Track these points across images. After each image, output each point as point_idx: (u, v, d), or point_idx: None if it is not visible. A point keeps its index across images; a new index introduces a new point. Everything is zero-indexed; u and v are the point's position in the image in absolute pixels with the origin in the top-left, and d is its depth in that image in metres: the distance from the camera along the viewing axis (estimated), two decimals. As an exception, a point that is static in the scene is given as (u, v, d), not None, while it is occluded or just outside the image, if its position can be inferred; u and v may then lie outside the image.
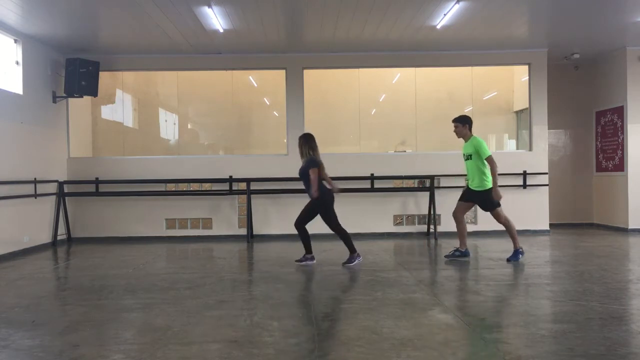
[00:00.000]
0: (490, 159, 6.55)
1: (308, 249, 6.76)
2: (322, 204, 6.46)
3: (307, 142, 6.58)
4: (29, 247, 8.23)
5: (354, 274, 6.13)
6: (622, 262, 6.79)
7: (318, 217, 6.58)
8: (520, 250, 6.80)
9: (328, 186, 6.62)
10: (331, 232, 6.60)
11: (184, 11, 7.24)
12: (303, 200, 6.56)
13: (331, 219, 6.52)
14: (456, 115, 6.94)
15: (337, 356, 3.40)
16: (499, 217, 6.74)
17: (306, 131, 7.19)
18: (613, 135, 10.22)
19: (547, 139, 9.89)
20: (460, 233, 6.97)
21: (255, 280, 5.84)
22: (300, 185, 6.68)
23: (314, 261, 6.75)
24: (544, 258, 7.19)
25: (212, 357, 3.36)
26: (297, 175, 6.69)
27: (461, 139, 6.91)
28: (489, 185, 6.63)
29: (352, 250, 6.63)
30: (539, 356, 3.30)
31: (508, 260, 6.72)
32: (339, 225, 6.57)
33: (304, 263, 6.71)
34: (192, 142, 11.15)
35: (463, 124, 6.79)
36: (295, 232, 6.65)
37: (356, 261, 6.59)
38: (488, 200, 6.68)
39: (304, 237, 6.69)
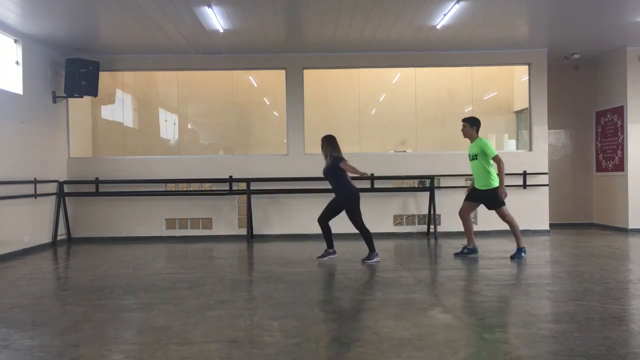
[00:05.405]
0: (497, 158, 6.73)
1: (330, 244, 7.01)
2: (349, 203, 6.67)
3: (330, 143, 6.81)
4: (29, 247, 8.23)
5: (354, 274, 6.12)
6: (622, 262, 6.79)
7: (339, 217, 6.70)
8: (524, 249, 6.94)
9: (357, 175, 6.71)
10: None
11: (184, 11, 7.24)
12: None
13: (357, 218, 6.71)
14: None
15: (337, 356, 3.40)
16: (504, 216, 6.88)
17: (327, 133, 7.11)
18: (613, 135, 10.21)
19: (547, 139, 9.89)
20: (467, 231, 7.17)
21: (255, 280, 5.84)
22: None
23: (337, 255, 7.02)
24: (544, 258, 7.19)
25: (212, 357, 3.36)
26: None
27: (467, 139, 7.06)
28: (495, 184, 6.77)
29: (371, 249, 6.80)
30: (539, 356, 3.30)
31: (512, 258, 6.84)
32: (364, 224, 6.74)
33: (327, 258, 6.96)
34: (192, 142, 11.14)
35: (471, 125, 6.96)
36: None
37: (374, 259, 6.75)
38: (494, 198, 6.81)
39: (327, 233, 6.96)
